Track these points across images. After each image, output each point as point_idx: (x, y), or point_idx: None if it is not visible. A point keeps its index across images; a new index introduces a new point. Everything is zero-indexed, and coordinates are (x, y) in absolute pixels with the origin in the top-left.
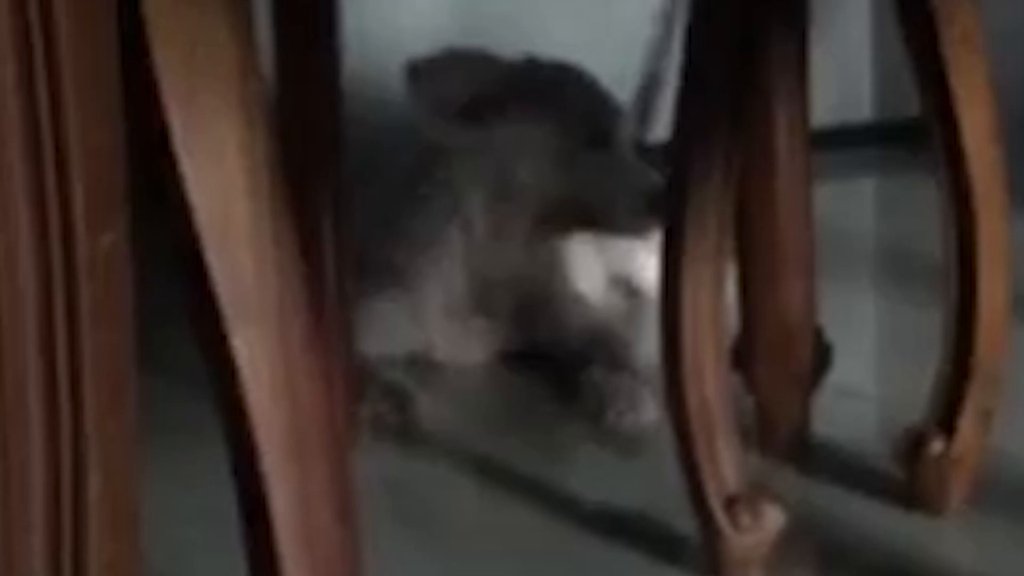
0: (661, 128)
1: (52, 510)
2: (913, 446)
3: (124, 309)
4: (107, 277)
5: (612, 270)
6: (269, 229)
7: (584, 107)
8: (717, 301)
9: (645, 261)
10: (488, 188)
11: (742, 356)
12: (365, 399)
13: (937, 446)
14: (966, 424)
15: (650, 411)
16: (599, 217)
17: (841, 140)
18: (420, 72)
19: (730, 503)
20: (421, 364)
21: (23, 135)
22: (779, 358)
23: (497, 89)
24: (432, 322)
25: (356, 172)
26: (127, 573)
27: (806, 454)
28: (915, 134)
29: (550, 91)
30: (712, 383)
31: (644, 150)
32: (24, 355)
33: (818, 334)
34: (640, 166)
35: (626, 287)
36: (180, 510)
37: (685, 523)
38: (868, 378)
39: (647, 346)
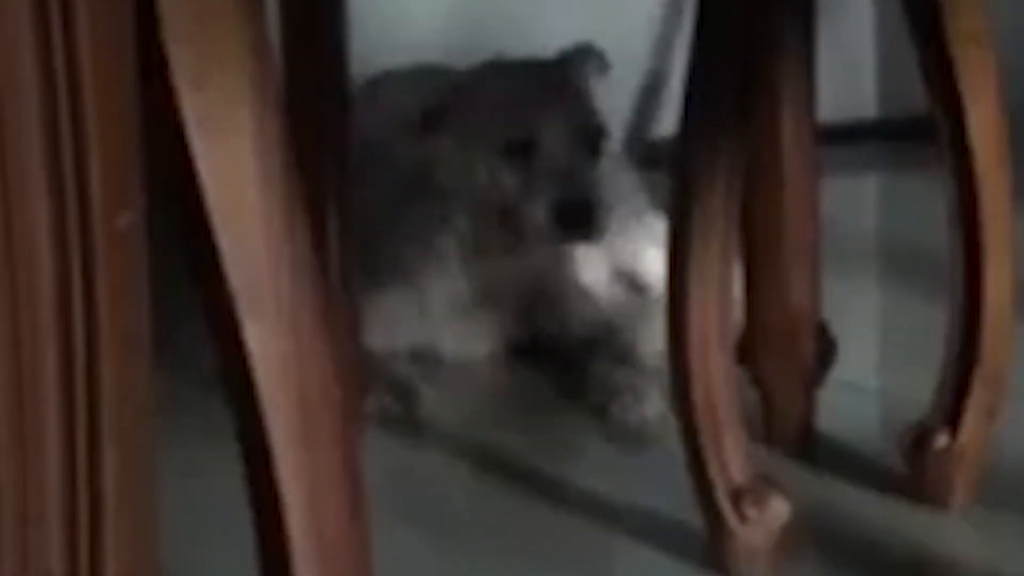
0: (667, 124)
1: (68, 503)
2: (917, 440)
3: (141, 290)
4: (124, 257)
5: (615, 263)
6: (281, 211)
7: (509, 116)
8: (723, 296)
9: (649, 255)
10: (462, 195)
11: (747, 350)
12: (370, 392)
13: (942, 440)
14: (970, 419)
15: (656, 405)
16: (518, 225)
17: (845, 136)
18: (369, 87)
19: (736, 496)
20: (426, 357)
21: (41, 115)
22: (784, 352)
23: (445, 101)
24: (437, 316)
25: (363, 166)
26: (144, 562)
27: (810, 448)
28: (920, 130)
29: (485, 100)
30: (718, 377)
31: (649, 146)
32: (41, 335)
33: (823, 329)
34: (566, 172)
35: (630, 281)
36: (195, 502)
37: (691, 516)
38: (872, 373)
39: (652, 340)
